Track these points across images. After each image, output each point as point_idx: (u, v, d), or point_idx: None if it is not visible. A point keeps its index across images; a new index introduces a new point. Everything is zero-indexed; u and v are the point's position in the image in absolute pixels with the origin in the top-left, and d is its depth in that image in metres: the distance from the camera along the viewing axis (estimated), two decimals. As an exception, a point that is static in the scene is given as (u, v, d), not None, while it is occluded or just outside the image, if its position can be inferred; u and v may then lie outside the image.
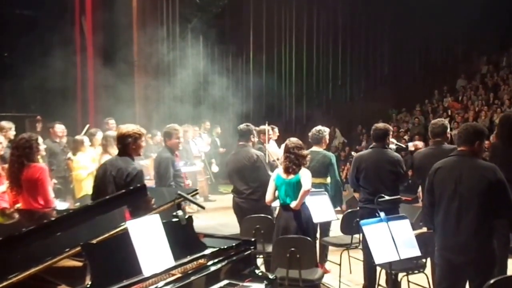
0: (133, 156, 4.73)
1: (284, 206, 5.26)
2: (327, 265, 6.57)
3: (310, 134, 6.61)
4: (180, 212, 3.53)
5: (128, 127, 4.74)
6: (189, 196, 3.72)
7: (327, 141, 6.74)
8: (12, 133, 7.03)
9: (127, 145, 4.66)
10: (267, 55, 16.43)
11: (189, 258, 3.43)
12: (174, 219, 3.51)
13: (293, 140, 5.32)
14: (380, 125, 5.66)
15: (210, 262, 3.51)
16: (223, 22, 15.35)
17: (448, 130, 5.52)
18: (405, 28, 17.34)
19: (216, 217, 9.16)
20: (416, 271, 4.96)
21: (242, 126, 6.32)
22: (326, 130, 6.61)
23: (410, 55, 18.69)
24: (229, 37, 15.76)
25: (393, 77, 18.49)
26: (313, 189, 5.65)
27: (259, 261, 5.43)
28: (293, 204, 5.18)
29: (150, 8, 13.38)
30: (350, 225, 5.93)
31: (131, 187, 4.21)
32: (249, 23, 16.00)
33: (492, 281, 3.37)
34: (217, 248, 3.66)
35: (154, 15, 13.39)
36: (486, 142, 5.95)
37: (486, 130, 4.28)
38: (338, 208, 6.68)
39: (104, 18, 12.29)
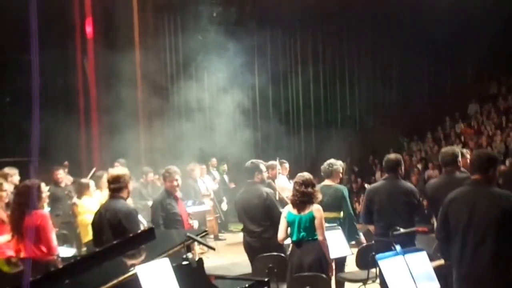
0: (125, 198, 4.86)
1: (297, 243, 5.17)
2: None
3: (322, 167, 6.53)
4: (190, 255, 3.48)
5: (120, 169, 4.94)
6: (198, 238, 3.66)
7: (340, 175, 6.63)
8: (16, 179, 7.01)
9: (120, 186, 4.80)
10: (273, 87, 16.41)
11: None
12: (184, 262, 3.44)
13: (301, 176, 5.27)
14: (392, 155, 5.64)
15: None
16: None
17: (459, 157, 5.42)
18: (413, 53, 17.30)
19: (227, 256, 9.01)
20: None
21: (248, 163, 6.27)
22: (337, 163, 6.52)
23: (419, 81, 18.58)
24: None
25: (403, 104, 18.36)
26: (326, 224, 5.58)
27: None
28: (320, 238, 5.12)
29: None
30: (366, 260, 5.77)
31: (140, 231, 4.18)
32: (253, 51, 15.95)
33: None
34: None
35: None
36: (502, 167, 5.88)
37: (499, 156, 4.22)
38: (353, 242, 6.54)
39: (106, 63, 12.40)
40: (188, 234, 3.63)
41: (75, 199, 7.75)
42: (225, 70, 12.53)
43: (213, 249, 4.01)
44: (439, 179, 5.55)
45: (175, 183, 6.12)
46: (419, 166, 14.03)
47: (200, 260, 3.61)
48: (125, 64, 11.80)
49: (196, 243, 3.87)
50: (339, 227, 5.97)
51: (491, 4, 14.93)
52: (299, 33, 17.16)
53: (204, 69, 14.02)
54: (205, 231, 4.18)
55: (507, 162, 9.74)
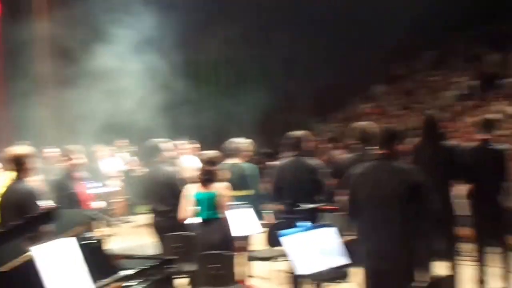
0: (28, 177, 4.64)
1: (205, 221, 5.11)
2: (253, 281, 6.43)
3: (229, 146, 6.46)
4: (89, 234, 3.32)
5: (22, 148, 4.67)
6: (97, 217, 3.52)
7: (248, 153, 6.59)
8: None
9: (21, 166, 4.58)
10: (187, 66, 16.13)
11: (104, 282, 3.20)
12: (85, 241, 3.29)
13: (206, 154, 5.22)
14: (297, 133, 5.62)
15: (128, 284, 3.30)
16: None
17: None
18: (319, 36, 17.58)
19: (136, 238, 8.73)
20: (341, 280, 4.89)
21: (149, 142, 6.11)
22: (245, 141, 6.49)
23: (326, 62, 18.97)
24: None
25: (310, 85, 18.71)
26: (236, 203, 5.56)
27: (184, 280, 5.24)
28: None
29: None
30: (276, 237, 5.80)
31: (38, 212, 3.97)
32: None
33: (418, 284, 3.37)
34: (135, 269, 3.45)
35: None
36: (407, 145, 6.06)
37: (402, 132, 4.31)
38: (262, 221, 6.57)
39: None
40: (86, 213, 3.49)
41: None
42: (137, 34, 12.02)
43: (112, 224, 3.87)
44: (352, 155, 5.60)
45: (74, 162, 5.95)
46: (327, 146, 14.35)
47: (100, 240, 3.47)
48: (31, 31, 11.23)
49: (97, 223, 3.70)
50: (250, 205, 5.94)
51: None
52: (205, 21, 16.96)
53: (114, 33, 13.43)
54: (106, 210, 4.05)
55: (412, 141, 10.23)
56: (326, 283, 4.78)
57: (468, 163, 5.53)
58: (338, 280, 4.86)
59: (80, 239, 3.29)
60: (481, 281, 5.62)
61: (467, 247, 5.92)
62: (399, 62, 20.03)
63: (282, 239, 4.03)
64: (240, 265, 5.63)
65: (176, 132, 8.07)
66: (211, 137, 16.11)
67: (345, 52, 18.32)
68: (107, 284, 3.19)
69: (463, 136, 11.16)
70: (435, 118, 5.31)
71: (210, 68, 17.35)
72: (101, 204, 6.51)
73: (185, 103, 14.89)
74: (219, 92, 17.40)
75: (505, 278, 5.62)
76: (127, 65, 11.52)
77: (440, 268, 5.10)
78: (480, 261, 5.64)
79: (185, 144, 7.70)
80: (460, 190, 5.75)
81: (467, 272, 5.66)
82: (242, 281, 5.75)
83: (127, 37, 11.62)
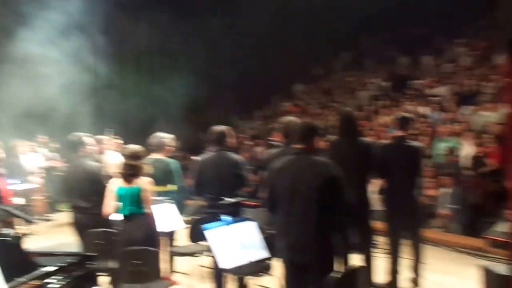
0: None
1: (127, 217, 5.02)
2: (176, 276, 6.42)
3: (152, 141, 6.39)
4: (6, 231, 3.21)
5: None
6: (15, 212, 3.40)
7: (171, 148, 6.54)
8: None
9: None
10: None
11: (21, 280, 3.10)
12: (1, 238, 3.17)
13: (129, 148, 5.12)
14: (219, 127, 5.60)
15: (47, 282, 3.23)
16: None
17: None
18: (241, 34, 17.70)
19: (56, 237, 8.46)
20: (262, 274, 4.97)
21: (71, 136, 5.91)
22: (167, 137, 6.43)
23: (248, 62, 19.14)
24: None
25: (233, 84, 18.84)
26: (158, 198, 5.51)
27: (104, 278, 5.13)
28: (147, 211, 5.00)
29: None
30: (198, 233, 5.78)
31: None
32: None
33: (334, 275, 3.47)
34: (54, 267, 3.36)
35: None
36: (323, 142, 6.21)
37: (320, 126, 4.37)
38: (185, 218, 6.54)
39: None
40: (2, 207, 3.36)
41: None
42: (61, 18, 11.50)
43: (30, 221, 3.74)
44: (275, 151, 5.66)
45: None
46: (249, 143, 14.51)
47: (18, 236, 3.35)
48: None
49: (16, 220, 3.57)
50: (172, 201, 5.90)
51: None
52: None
53: (36, 17, 12.80)
54: (24, 205, 3.90)
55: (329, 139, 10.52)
56: (248, 277, 4.87)
57: (384, 159, 5.74)
58: (261, 274, 4.94)
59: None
60: (395, 272, 5.86)
61: (381, 240, 6.15)
62: (318, 62, 20.58)
63: (205, 233, 4.04)
64: (164, 261, 5.60)
65: (100, 120, 7.81)
66: (136, 124, 15.89)
67: (268, 51, 18.59)
68: (24, 283, 3.10)
69: (377, 135, 11.71)
70: (352, 115, 5.43)
71: (137, 55, 16.97)
72: (20, 200, 6.21)
73: (109, 90, 14.55)
74: (145, 79, 17.12)
75: (417, 269, 5.89)
76: (50, 50, 11.10)
77: (356, 260, 5.26)
78: (394, 253, 5.86)
79: (108, 139, 7.49)
80: (376, 186, 5.99)
81: (381, 263, 5.90)
82: (167, 277, 5.72)
83: (50, 21, 11.15)
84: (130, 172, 4.98)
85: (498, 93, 11.53)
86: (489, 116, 10.89)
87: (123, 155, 5.12)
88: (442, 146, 10.33)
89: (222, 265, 4.02)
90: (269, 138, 5.53)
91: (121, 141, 8.17)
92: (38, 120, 11.25)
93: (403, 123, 5.83)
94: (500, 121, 10.34)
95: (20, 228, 7.05)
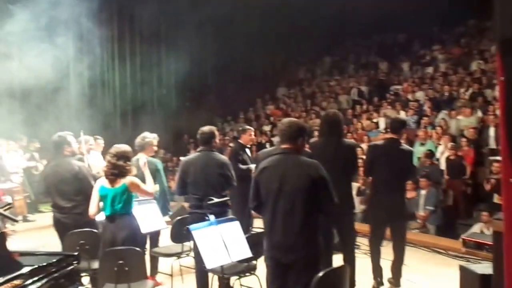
0: None
1: (110, 217, 4.97)
2: (159, 277, 6.38)
3: (135, 141, 6.34)
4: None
5: None
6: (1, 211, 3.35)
7: (154, 148, 6.49)
8: None
9: None
10: (89, 65, 15.59)
11: (1, 279, 3.06)
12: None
13: (116, 148, 5.06)
14: (205, 128, 5.57)
15: (28, 282, 3.18)
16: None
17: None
18: (227, 39, 17.73)
19: (37, 238, 8.42)
20: (248, 274, 4.98)
21: (55, 136, 5.83)
22: (150, 136, 6.39)
23: (233, 65, 19.17)
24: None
25: (217, 87, 18.89)
26: (140, 198, 5.47)
27: (86, 279, 5.08)
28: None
29: None
30: (180, 233, 5.75)
31: None
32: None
33: (320, 274, 3.48)
34: (36, 266, 3.32)
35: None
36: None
37: (307, 127, 4.35)
38: (167, 219, 6.51)
39: None
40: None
41: None
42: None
43: (16, 221, 3.68)
44: (271, 149, 5.63)
45: None
46: (231, 145, 14.49)
47: (1, 234, 3.30)
48: None
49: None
50: (154, 201, 5.86)
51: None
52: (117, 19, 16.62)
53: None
54: (9, 204, 3.83)
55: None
56: (234, 277, 4.88)
57: (373, 159, 5.81)
58: (246, 274, 4.95)
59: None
60: (377, 272, 5.91)
61: (364, 241, 6.19)
62: (300, 67, 20.73)
63: (193, 232, 4.03)
64: (147, 261, 5.56)
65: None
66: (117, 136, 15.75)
67: (251, 55, 18.66)
68: (3, 282, 3.06)
69: (357, 138, 11.90)
70: (337, 116, 5.43)
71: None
72: (8, 199, 6.09)
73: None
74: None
75: (400, 270, 5.94)
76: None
77: (338, 261, 5.30)
78: (375, 253, 5.90)
79: (91, 140, 7.41)
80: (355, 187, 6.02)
81: (363, 263, 5.94)
82: (150, 277, 5.68)
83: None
84: (114, 171, 4.92)
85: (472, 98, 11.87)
86: (464, 121, 11.15)
87: (109, 153, 5.05)
88: (419, 150, 10.51)
89: (208, 265, 4.02)
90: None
91: (102, 142, 8.08)
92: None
93: (396, 126, 5.87)
94: (475, 126, 10.63)
95: (5, 227, 6.99)
